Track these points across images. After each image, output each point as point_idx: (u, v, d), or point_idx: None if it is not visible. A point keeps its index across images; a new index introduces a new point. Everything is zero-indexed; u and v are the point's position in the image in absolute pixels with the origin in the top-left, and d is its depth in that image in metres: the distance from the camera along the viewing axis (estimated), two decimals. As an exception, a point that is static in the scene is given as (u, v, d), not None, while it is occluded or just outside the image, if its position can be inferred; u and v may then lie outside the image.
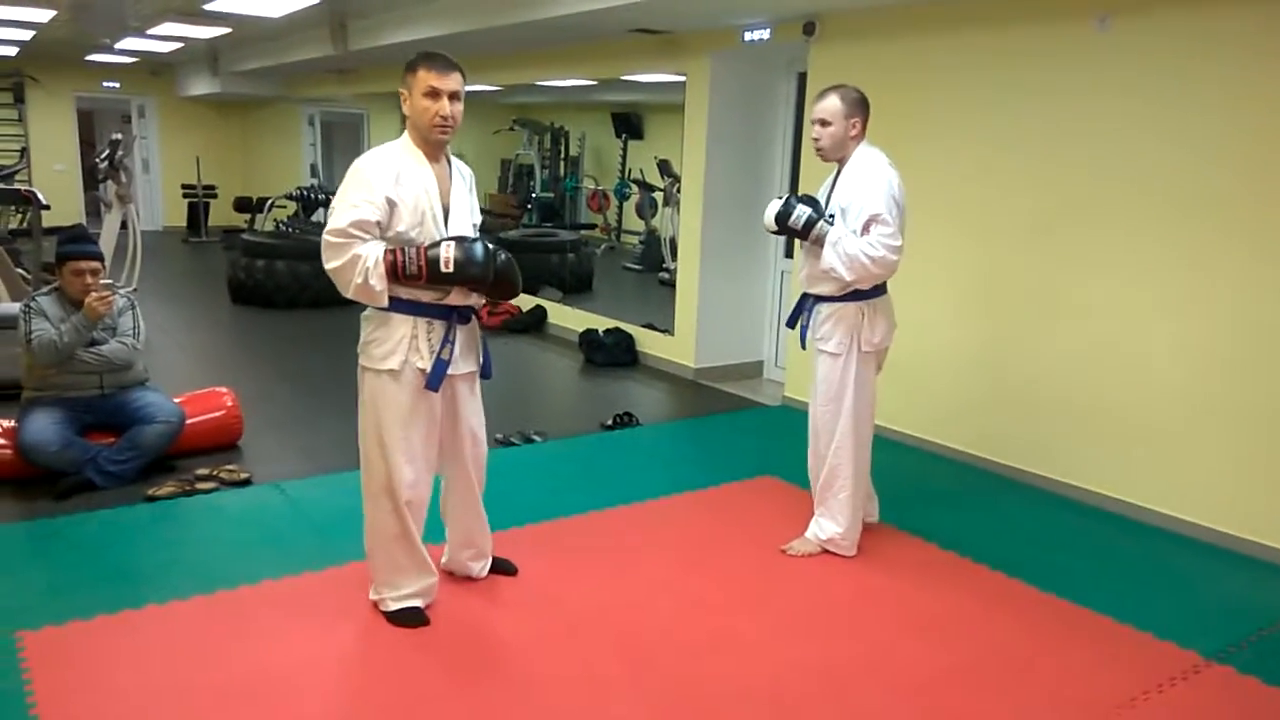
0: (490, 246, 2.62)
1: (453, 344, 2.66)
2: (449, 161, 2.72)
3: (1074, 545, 3.68)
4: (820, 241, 3.18)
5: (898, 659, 2.77)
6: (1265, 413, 3.55)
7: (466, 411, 2.85)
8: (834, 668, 2.72)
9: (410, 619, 2.78)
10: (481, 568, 3.10)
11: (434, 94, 2.54)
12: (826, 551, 3.41)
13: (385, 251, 2.53)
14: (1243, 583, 3.42)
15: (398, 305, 2.59)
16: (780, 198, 3.32)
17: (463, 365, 2.76)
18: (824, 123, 3.18)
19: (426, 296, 2.61)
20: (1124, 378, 3.96)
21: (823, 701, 2.55)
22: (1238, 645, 2.91)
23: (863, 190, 3.14)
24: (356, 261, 2.49)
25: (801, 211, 3.23)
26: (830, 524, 3.40)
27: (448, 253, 2.54)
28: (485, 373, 2.85)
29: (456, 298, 2.66)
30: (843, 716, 2.49)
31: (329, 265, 2.52)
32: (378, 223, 2.54)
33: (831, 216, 3.24)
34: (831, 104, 3.18)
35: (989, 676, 2.69)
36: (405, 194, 2.56)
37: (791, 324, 3.51)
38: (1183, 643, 2.89)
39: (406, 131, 2.66)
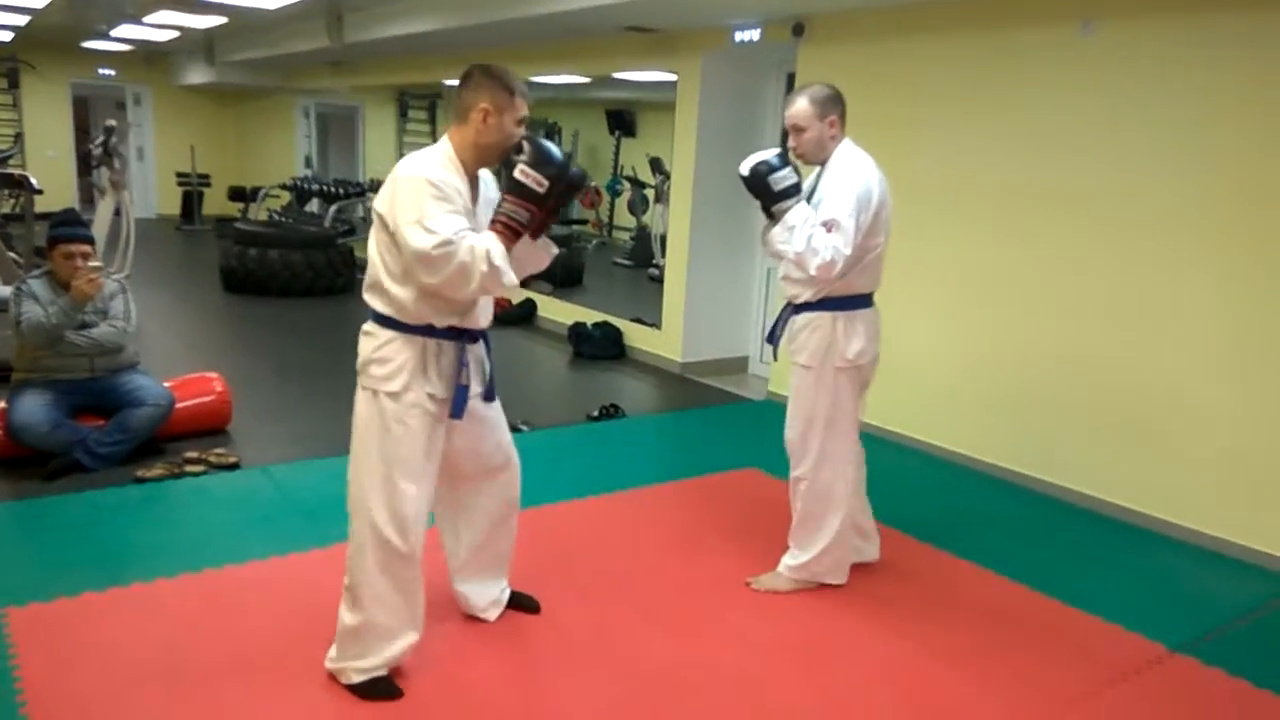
0: (542, 141, 2.35)
1: (467, 367, 2.44)
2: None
3: (1047, 539, 3.75)
4: (776, 216, 2.90)
5: (869, 643, 2.84)
6: (1249, 415, 3.62)
7: (487, 428, 2.64)
8: (808, 649, 2.78)
9: (381, 691, 2.44)
10: (496, 613, 2.86)
11: (521, 123, 2.37)
12: (802, 589, 3.13)
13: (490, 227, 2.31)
14: (1214, 578, 3.49)
15: (406, 326, 2.36)
16: (779, 153, 2.94)
17: (472, 387, 2.52)
18: (798, 129, 2.95)
19: (440, 321, 2.38)
20: (1110, 377, 4.02)
21: (798, 679, 2.61)
22: (1203, 638, 2.98)
23: (832, 191, 2.89)
24: (472, 252, 2.22)
25: (787, 177, 2.89)
26: (806, 553, 3.12)
27: (526, 175, 2.27)
28: (488, 395, 2.60)
29: (470, 321, 2.44)
30: (816, 694, 2.55)
31: (440, 276, 2.23)
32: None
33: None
34: (802, 108, 2.93)
35: (957, 663, 2.75)
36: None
37: (771, 338, 3.30)
38: (1150, 634, 2.96)
39: (452, 146, 2.37)
